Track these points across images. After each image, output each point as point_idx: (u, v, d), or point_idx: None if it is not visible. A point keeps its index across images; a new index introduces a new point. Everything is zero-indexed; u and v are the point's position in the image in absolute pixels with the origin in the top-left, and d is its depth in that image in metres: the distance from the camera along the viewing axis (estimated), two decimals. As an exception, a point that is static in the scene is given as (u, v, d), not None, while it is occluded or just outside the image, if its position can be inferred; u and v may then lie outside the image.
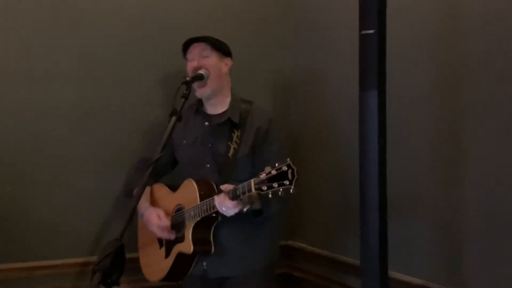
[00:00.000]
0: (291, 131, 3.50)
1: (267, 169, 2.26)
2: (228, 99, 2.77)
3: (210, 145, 2.72)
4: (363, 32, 1.96)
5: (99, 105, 3.10)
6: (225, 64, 2.76)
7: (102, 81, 3.11)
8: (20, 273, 2.97)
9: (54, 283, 3.03)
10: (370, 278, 1.99)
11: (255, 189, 2.27)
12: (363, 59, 1.97)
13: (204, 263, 2.69)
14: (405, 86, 2.64)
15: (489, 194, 2.36)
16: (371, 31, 1.94)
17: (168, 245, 2.74)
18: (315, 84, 3.36)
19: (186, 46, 2.76)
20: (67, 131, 3.05)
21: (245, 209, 2.43)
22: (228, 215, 2.46)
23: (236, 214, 2.45)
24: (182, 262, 2.68)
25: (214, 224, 2.61)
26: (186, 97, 2.48)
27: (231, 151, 2.66)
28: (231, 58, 2.79)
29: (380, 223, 1.95)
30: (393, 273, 2.55)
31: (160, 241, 2.80)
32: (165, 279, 2.76)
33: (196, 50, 2.72)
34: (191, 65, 2.72)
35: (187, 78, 2.53)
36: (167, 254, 2.73)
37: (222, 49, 2.75)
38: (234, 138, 2.67)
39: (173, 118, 2.40)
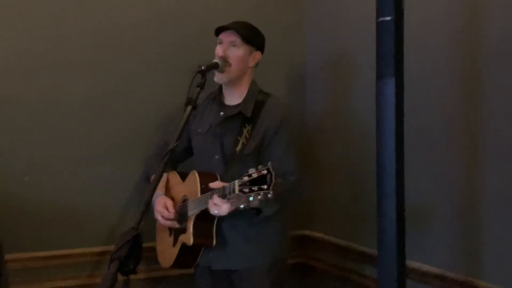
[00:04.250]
0: (307, 120, 3.49)
1: (251, 170, 2.28)
2: (246, 92, 2.75)
3: (220, 136, 2.72)
4: (380, 19, 1.94)
5: (116, 94, 3.11)
6: (253, 58, 2.74)
7: (120, 69, 3.11)
8: (37, 263, 2.99)
9: (71, 272, 3.05)
10: (387, 267, 1.98)
11: (239, 190, 2.28)
12: (380, 46, 1.95)
13: (210, 255, 2.71)
14: (423, 75, 2.61)
15: (508, 182, 2.34)
16: (388, 18, 1.91)
17: (175, 234, 2.77)
18: (332, 73, 3.34)
19: (220, 30, 2.72)
20: (83, 121, 3.06)
21: (242, 206, 2.41)
22: (219, 215, 2.47)
23: (233, 212, 2.44)
24: (188, 252, 2.70)
25: (217, 218, 2.60)
26: (201, 86, 2.46)
27: (239, 146, 2.65)
28: (262, 51, 2.77)
29: (397, 212, 1.94)
30: (411, 262, 2.54)
31: (169, 228, 2.83)
32: (173, 266, 2.79)
33: (226, 39, 2.68)
34: (217, 50, 2.69)
35: (202, 67, 2.51)
36: (174, 243, 2.76)
37: (253, 42, 2.72)
38: (244, 132, 2.66)
39: (188, 107, 2.39)
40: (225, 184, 2.42)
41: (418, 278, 2.64)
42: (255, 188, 2.24)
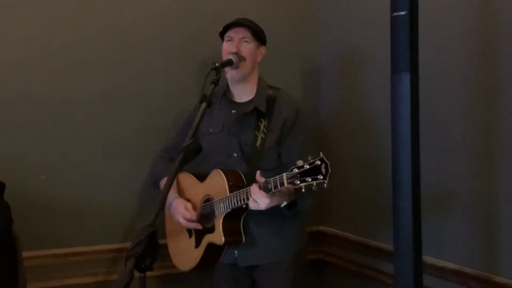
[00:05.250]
0: (322, 115, 3.48)
1: (299, 162, 2.24)
2: (255, 87, 2.75)
3: (237, 134, 2.71)
4: (395, 14, 1.93)
5: (126, 93, 3.12)
6: (260, 53, 2.75)
7: (132, 67, 3.13)
8: (54, 260, 3.01)
9: (87, 269, 3.07)
10: (403, 263, 1.97)
11: (288, 183, 2.26)
12: (394, 41, 1.95)
13: (236, 252, 2.71)
14: (439, 70, 2.60)
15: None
16: (403, 13, 1.91)
17: (198, 235, 2.75)
18: (346, 68, 3.33)
19: (227, 27, 2.72)
20: (98, 119, 3.08)
21: (282, 205, 2.45)
22: (259, 209, 2.45)
23: (271, 208, 2.45)
24: (213, 251, 2.69)
25: (244, 214, 2.61)
26: (216, 83, 2.45)
27: (259, 141, 2.64)
28: (265, 46, 2.78)
29: (413, 208, 1.93)
30: (427, 258, 2.53)
31: (189, 230, 2.81)
32: (196, 267, 2.77)
33: (237, 35, 2.68)
34: (228, 48, 2.69)
35: (217, 64, 2.51)
36: (198, 244, 2.74)
37: (260, 37, 2.74)
38: (262, 127, 2.66)
39: (203, 104, 2.37)
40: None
41: (434, 274, 2.63)
42: (309, 179, 2.21)
